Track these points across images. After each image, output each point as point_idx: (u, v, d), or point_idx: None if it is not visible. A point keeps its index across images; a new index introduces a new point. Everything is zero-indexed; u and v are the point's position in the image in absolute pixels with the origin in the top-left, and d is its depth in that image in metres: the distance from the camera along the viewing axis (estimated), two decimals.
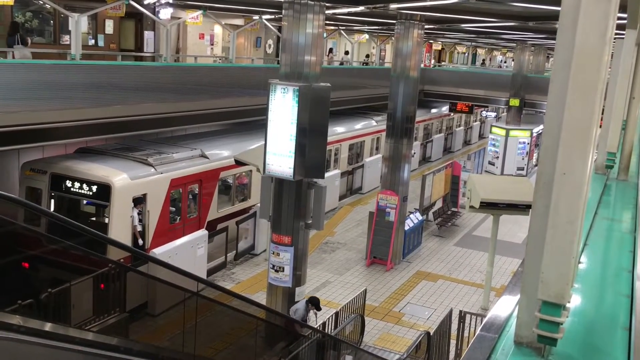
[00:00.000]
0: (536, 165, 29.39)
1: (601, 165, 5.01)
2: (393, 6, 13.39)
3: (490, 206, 12.25)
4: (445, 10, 14.07)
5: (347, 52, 28.61)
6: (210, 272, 13.44)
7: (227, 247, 14.07)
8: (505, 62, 54.75)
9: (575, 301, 2.32)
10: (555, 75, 1.78)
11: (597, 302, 2.64)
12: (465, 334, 10.40)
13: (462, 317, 10.43)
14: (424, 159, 28.68)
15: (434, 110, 28.97)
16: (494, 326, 2.16)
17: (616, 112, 4.77)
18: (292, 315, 9.85)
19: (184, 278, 6.26)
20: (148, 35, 18.28)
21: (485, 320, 2.26)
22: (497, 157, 26.91)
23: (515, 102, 25.64)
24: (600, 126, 4.85)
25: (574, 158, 1.67)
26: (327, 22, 20.15)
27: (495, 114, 36.14)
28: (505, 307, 2.38)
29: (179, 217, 12.55)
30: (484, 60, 49.63)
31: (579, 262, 2.77)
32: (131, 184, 11.09)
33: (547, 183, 1.79)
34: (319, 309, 10.02)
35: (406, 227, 15.75)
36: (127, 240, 10.91)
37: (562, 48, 1.76)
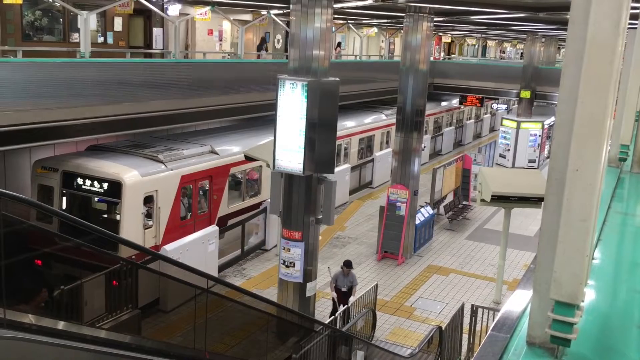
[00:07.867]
0: (548, 157, 29.15)
1: (614, 157, 4.93)
2: None
3: (501, 199, 12.15)
4: (454, 2, 13.93)
5: None
6: (222, 267, 13.46)
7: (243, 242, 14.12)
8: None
9: (588, 298, 2.27)
10: (567, 68, 1.73)
11: (610, 299, 2.59)
12: (478, 328, 10.34)
13: (474, 311, 10.37)
14: (435, 153, 28.53)
15: (444, 103, 28.78)
16: (506, 326, 2.11)
17: (629, 103, 4.68)
18: (332, 279, 11.48)
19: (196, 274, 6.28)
20: (157, 32, 18.30)
21: (496, 319, 2.21)
22: (508, 150, 26.69)
23: (526, 93, 25.41)
24: (614, 118, 4.76)
25: (586, 154, 1.62)
26: (336, 16, 20.05)
27: (506, 106, 35.82)
28: (517, 305, 2.33)
29: (189, 214, 12.59)
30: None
31: (592, 258, 2.72)
32: (142, 180, 11.12)
33: (559, 179, 1.74)
34: (350, 267, 11.44)
35: (417, 221, 15.68)
36: (138, 237, 10.95)
37: (574, 40, 1.71)
